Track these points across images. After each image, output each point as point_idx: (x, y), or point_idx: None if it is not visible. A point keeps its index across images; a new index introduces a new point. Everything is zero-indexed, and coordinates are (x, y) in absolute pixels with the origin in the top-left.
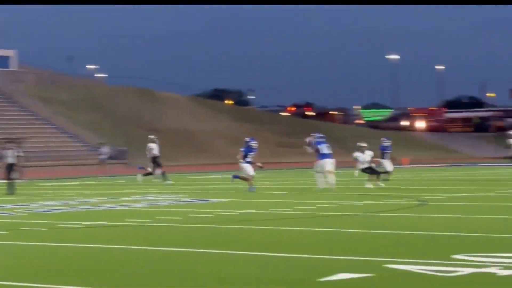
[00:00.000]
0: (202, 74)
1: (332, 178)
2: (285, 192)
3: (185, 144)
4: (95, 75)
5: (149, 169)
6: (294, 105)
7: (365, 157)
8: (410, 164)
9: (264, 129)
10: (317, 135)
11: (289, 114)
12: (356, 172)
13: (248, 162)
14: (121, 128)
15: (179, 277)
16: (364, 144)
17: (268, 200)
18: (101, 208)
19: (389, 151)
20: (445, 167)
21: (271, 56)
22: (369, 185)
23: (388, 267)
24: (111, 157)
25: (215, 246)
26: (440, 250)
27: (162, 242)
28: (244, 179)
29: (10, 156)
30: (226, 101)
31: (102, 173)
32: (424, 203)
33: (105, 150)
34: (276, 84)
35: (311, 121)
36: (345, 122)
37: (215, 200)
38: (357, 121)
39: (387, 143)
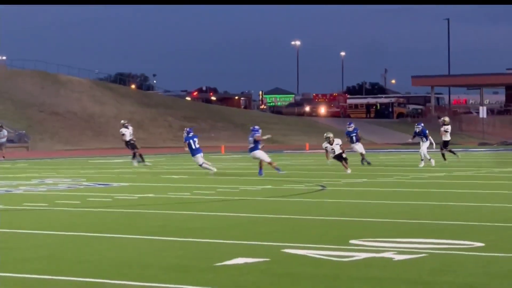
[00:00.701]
0: (105, 59)
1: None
2: (185, 176)
3: (87, 128)
4: None
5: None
6: (198, 90)
7: (334, 146)
8: (311, 150)
9: (168, 114)
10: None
11: (192, 99)
12: (329, 162)
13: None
14: (22, 112)
15: (73, 261)
16: (330, 135)
17: (168, 184)
18: None
19: (354, 135)
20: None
21: (175, 41)
22: (348, 171)
23: (285, 252)
24: (11, 141)
25: (112, 230)
26: (338, 235)
27: (57, 227)
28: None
29: None
30: (129, 86)
31: (1, 157)
32: (324, 188)
33: (4, 133)
34: (180, 69)
35: (214, 106)
36: (248, 107)
37: (115, 184)
38: (260, 107)
39: (351, 127)
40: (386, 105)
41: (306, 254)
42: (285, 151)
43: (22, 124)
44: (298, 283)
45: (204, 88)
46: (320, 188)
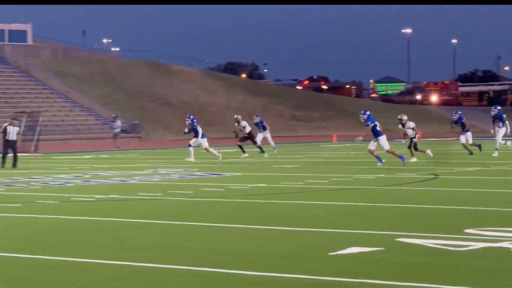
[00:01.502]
0: (216, 48)
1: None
2: (297, 166)
3: (198, 118)
4: (109, 49)
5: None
6: (309, 79)
7: (406, 130)
8: (423, 138)
9: (278, 103)
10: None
11: (303, 88)
12: (404, 141)
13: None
14: (135, 102)
15: (187, 251)
16: (404, 117)
17: (280, 174)
18: (114, 182)
19: (460, 124)
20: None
21: (286, 30)
22: (413, 159)
23: (400, 241)
24: (124, 131)
25: (225, 220)
26: (453, 224)
27: (171, 216)
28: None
29: (13, 132)
30: (240, 75)
31: (115, 147)
32: (437, 177)
33: (118, 123)
34: (290, 57)
35: (325, 95)
36: (359, 96)
37: (227, 174)
38: (371, 95)
39: (456, 116)
40: (499, 93)
41: (421, 243)
42: (397, 140)
43: (135, 115)
44: (413, 272)
45: (315, 77)
46: (433, 177)
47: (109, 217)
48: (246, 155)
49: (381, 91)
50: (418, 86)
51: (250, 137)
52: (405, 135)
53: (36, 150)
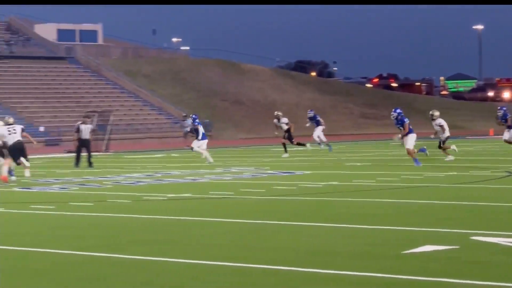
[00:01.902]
0: (286, 46)
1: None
2: (368, 164)
3: (269, 116)
4: (179, 47)
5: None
6: (378, 77)
7: (434, 125)
8: (496, 135)
9: (348, 101)
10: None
11: (373, 86)
12: (432, 136)
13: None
14: (205, 101)
15: (260, 249)
16: (436, 113)
17: (352, 172)
18: (186, 181)
19: (504, 120)
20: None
21: (355, 27)
22: (449, 157)
23: (474, 239)
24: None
25: (298, 218)
26: None
27: (244, 215)
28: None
29: (86, 130)
30: (309, 73)
31: (187, 146)
32: (511, 174)
33: (189, 122)
34: (360, 55)
35: (395, 93)
36: (429, 93)
37: (299, 172)
38: (441, 93)
39: (500, 112)
40: None
41: (497, 242)
42: (468, 137)
43: (205, 113)
44: (489, 271)
45: (384, 75)
46: (507, 174)
47: (181, 216)
48: (287, 155)
49: (452, 88)
50: (490, 83)
51: (288, 134)
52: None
53: (107, 150)
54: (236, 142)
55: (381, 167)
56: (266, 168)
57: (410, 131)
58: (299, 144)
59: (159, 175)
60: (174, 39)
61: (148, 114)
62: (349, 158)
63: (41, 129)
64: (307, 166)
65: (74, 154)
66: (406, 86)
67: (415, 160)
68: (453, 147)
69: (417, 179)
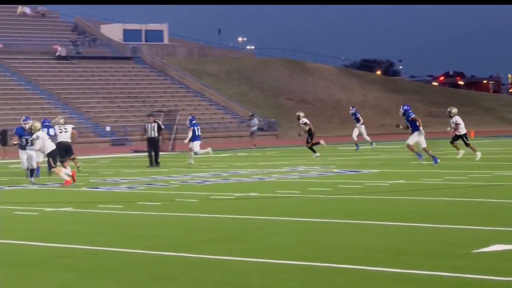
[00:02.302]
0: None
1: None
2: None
3: (334, 115)
4: (244, 47)
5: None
6: (444, 75)
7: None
8: None
9: (414, 99)
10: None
11: (439, 84)
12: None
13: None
14: (270, 100)
15: (328, 248)
16: (453, 110)
17: (418, 170)
18: (252, 180)
19: None
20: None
21: (421, 26)
22: (460, 154)
23: None
24: (261, 129)
25: (365, 217)
26: None
27: (311, 213)
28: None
29: (151, 129)
30: (375, 72)
31: (253, 145)
32: None
33: (255, 121)
34: (425, 53)
35: (462, 91)
36: (497, 91)
37: (365, 171)
38: (510, 90)
39: None
40: None
41: None
42: None
43: (271, 112)
44: None
45: (451, 73)
46: None
47: (249, 215)
48: (317, 154)
49: None
50: None
51: (309, 134)
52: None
53: (173, 149)
54: (302, 141)
55: (449, 166)
56: (332, 166)
57: (416, 128)
58: (311, 148)
59: (226, 174)
60: (240, 39)
61: (214, 113)
62: (415, 157)
63: (107, 128)
64: (374, 164)
65: (146, 154)
66: (473, 84)
67: (418, 154)
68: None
69: (485, 177)
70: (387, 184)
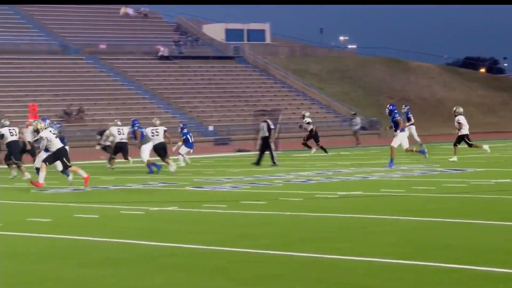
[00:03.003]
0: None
1: None
2: None
3: (436, 114)
4: (346, 46)
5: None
6: None
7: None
8: None
9: None
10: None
11: None
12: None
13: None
14: (372, 99)
15: (432, 247)
16: (459, 109)
17: None
18: (356, 178)
19: None
20: None
21: None
22: (453, 158)
23: None
24: (363, 128)
25: (470, 216)
26: None
27: (416, 212)
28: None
29: (262, 129)
30: (478, 70)
31: (356, 144)
32: None
33: (358, 120)
34: None
35: None
36: None
37: (470, 170)
38: None
39: None
40: None
41: None
42: None
43: (373, 111)
44: None
45: None
46: None
47: (353, 214)
48: (314, 150)
49: None
50: None
51: (314, 135)
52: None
53: (276, 148)
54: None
55: None
56: (435, 165)
57: (396, 129)
58: (305, 144)
59: (329, 173)
60: (341, 38)
61: (316, 112)
62: None
63: (210, 128)
64: (479, 163)
65: (250, 153)
66: None
67: (391, 160)
68: (485, 147)
69: None
70: (492, 183)
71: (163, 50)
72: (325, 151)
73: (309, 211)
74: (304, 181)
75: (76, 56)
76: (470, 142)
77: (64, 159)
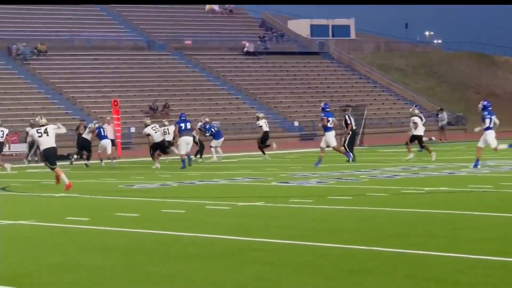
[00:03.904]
0: None
1: None
2: None
3: None
4: (431, 41)
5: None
6: None
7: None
8: None
9: None
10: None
11: None
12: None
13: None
14: (458, 94)
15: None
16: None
17: None
18: (442, 174)
19: None
20: None
21: None
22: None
23: None
24: (449, 123)
25: None
26: None
27: (505, 208)
28: None
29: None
30: None
31: (442, 139)
32: None
33: (444, 116)
34: None
35: None
36: None
37: None
38: None
39: None
40: None
41: None
42: None
43: (459, 106)
44: None
45: None
46: None
47: (440, 209)
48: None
49: None
50: None
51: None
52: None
53: (361, 144)
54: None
55: None
56: None
57: (327, 129)
58: (261, 148)
59: (415, 168)
60: (427, 33)
61: (402, 108)
62: None
63: (296, 124)
64: None
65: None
66: None
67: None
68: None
69: None
70: None
71: (248, 46)
72: (264, 152)
73: (395, 207)
74: (390, 177)
75: (162, 52)
76: (423, 144)
77: (47, 161)
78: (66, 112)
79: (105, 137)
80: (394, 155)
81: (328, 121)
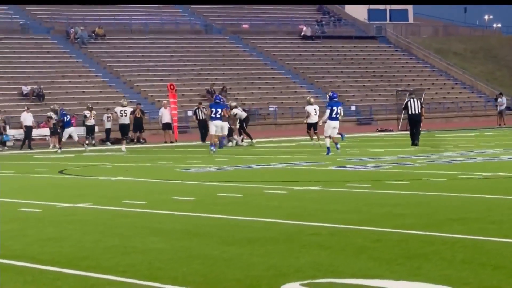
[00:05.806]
0: None
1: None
2: None
3: None
4: (491, 25)
5: None
6: None
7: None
8: None
9: None
10: None
11: None
12: None
13: None
14: None
15: None
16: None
17: None
18: (501, 159)
19: None
20: None
21: None
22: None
23: None
24: (508, 108)
25: None
26: None
27: None
28: None
29: (415, 106)
30: None
31: (501, 124)
32: None
33: (504, 100)
34: None
35: None
36: None
37: None
38: None
39: None
40: None
41: None
42: None
43: None
44: None
45: None
46: None
47: (499, 195)
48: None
49: None
50: None
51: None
52: None
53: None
54: None
55: None
56: None
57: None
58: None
59: (473, 153)
60: (486, 17)
61: (460, 92)
62: None
63: (353, 108)
64: None
65: (390, 133)
66: None
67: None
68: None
69: None
70: None
71: (305, 30)
72: (251, 138)
73: (453, 192)
74: (448, 162)
75: (219, 36)
76: (315, 131)
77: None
78: (124, 96)
79: (70, 124)
80: (452, 139)
81: (333, 111)
